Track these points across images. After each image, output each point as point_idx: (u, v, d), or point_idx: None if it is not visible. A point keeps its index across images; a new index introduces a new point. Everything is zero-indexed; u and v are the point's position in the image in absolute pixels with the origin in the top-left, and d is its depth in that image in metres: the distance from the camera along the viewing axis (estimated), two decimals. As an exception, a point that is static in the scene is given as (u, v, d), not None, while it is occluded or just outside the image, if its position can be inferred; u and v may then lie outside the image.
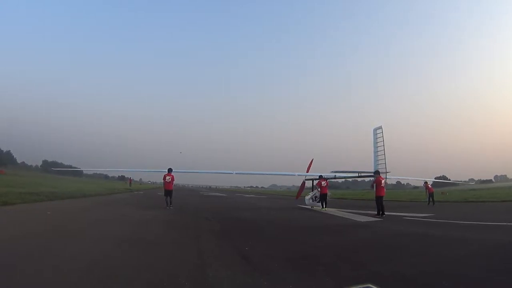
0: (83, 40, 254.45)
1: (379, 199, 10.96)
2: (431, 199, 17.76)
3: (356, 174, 16.61)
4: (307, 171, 17.64)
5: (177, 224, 7.93)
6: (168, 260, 4.00)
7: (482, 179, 78.10)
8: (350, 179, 20.97)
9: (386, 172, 13.88)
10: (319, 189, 14.41)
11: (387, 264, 4.02)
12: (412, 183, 59.80)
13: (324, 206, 13.84)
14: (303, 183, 18.59)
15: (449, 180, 50.54)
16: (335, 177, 17.40)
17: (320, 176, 15.38)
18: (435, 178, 37.49)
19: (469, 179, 71.71)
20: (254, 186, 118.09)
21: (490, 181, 77.33)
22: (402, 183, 67.58)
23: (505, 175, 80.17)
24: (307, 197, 16.11)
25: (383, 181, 11.65)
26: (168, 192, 12.42)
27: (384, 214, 10.69)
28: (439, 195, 22.19)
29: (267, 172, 19.86)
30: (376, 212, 10.87)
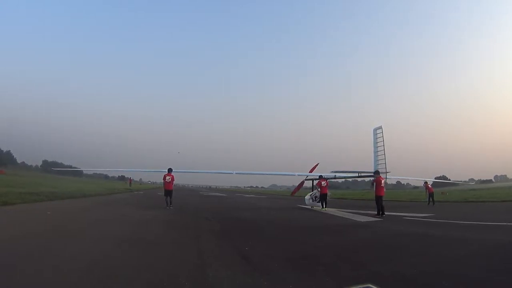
0: (83, 40, 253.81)
1: (379, 199, 10.97)
2: (431, 199, 17.77)
3: (356, 174, 16.64)
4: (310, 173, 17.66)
5: (177, 224, 7.93)
6: (168, 260, 4.00)
7: (482, 179, 78.22)
8: (350, 179, 21.00)
9: (386, 172, 13.91)
10: (319, 189, 14.41)
11: (387, 264, 4.02)
12: (412, 183, 59.82)
13: (324, 206, 13.84)
14: (302, 182, 18.61)
15: (449, 180, 50.52)
16: (335, 177, 17.43)
17: (320, 176, 15.38)
18: (435, 178, 37.51)
19: (469, 179, 71.82)
20: (254, 186, 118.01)
21: (490, 181, 77.31)
22: (402, 183, 67.50)
23: (505, 175, 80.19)
24: (307, 197, 16.11)
25: (383, 181, 11.66)
26: (168, 192, 12.42)
27: (384, 214, 10.69)
28: (439, 195, 22.19)
29: (267, 172, 19.89)
30: (376, 212, 10.87)
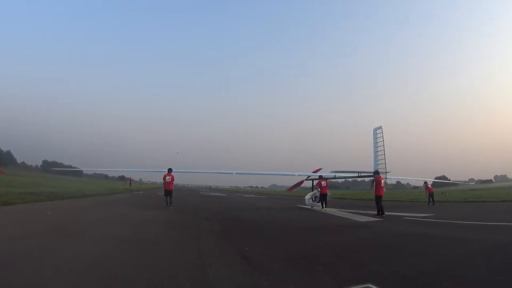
0: (83, 40, 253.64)
1: (378, 199, 10.98)
2: (431, 199, 17.76)
3: (356, 174, 16.62)
4: None
5: (177, 224, 7.93)
6: (168, 260, 4.00)
7: (482, 179, 78.17)
8: (350, 179, 20.98)
9: (386, 172, 13.89)
10: (319, 189, 14.41)
11: (387, 264, 4.02)
12: (412, 183, 59.75)
13: (324, 206, 13.84)
14: (302, 181, 18.61)
15: (449, 180, 50.50)
16: (335, 177, 17.40)
17: (320, 176, 15.38)
18: (435, 178, 37.46)
19: (469, 179, 71.78)
20: (254, 186, 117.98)
21: (490, 181, 77.28)
22: (402, 183, 67.44)
23: (505, 175, 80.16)
24: (307, 197, 16.11)
25: (382, 181, 11.66)
26: (168, 192, 12.43)
27: (384, 214, 10.69)
28: (439, 195, 22.19)
29: (267, 172, 19.85)
30: (376, 212, 10.88)
